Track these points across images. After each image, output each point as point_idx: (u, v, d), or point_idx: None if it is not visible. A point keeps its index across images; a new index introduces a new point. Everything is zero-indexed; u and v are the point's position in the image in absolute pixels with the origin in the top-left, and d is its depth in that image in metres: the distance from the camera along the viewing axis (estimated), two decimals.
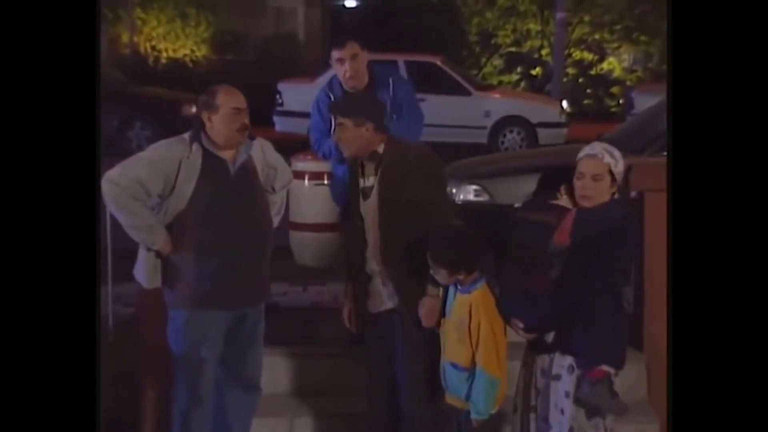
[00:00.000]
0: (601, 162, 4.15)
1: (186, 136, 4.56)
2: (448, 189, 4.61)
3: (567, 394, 4.23)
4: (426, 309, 4.49)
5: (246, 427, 4.88)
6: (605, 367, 4.16)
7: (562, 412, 4.25)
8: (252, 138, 4.62)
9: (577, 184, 4.20)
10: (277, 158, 4.82)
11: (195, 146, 4.51)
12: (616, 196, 4.22)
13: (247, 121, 4.53)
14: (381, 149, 4.57)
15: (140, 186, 4.43)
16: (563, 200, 4.30)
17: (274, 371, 5.48)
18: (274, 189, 4.80)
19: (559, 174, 4.36)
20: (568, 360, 4.22)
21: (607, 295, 4.15)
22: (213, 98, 4.51)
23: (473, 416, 4.35)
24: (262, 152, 4.70)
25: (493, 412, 4.38)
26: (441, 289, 4.47)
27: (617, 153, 4.20)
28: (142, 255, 4.60)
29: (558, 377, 4.26)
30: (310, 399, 5.58)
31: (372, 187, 4.59)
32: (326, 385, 5.64)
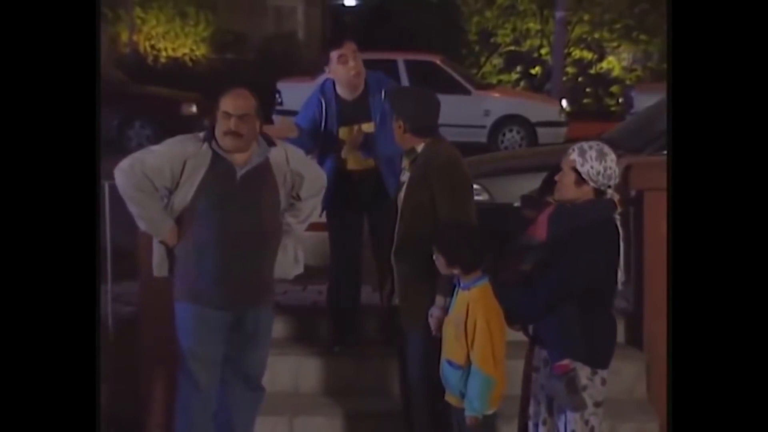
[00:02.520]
0: (567, 157, 4.19)
1: (201, 134, 4.59)
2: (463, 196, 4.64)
3: (542, 387, 4.34)
4: (433, 319, 4.53)
5: (249, 426, 4.89)
6: (568, 362, 4.18)
7: (538, 403, 4.36)
8: (271, 144, 4.59)
9: None
10: (307, 166, 4.76)
11: (205, 146, 4.51)
12: (608, 196, 4.19)
13: (233, 127, 4.43)
14: (420, 148, 4.63)
15: (145, 178, 4.46)
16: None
17: (274, 370, 5.48)
18: (299, 197, 4.75)
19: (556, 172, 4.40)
20: (544, 353, 4.32)
21: (581, 292, 4.14)
22: (217, 100, 4.52)
23: (467, 414, 4.34)
24: (285, 159, 4.64)
25: (489, 412, 4.37)
26: (447, 299, 4.49)
27: (591, 154, 4.13)
28: (155, 244, 4.65)
29: (537, 369, 4.37)
30: (310, 398, 5.59)
31: (404, 183, 4.69)
32: (326, 384, 5.65)
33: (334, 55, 5.41)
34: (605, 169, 4.12)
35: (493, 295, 4.36)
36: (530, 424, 4.42)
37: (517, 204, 6.23)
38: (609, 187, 4.17)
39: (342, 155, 5.46)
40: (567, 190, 4.18)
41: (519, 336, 4.53)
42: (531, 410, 4.40)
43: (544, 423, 4.35)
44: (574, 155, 4.15)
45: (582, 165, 4.12)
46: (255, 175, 4.56)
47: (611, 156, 4.16)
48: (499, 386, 4.35)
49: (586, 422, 4.23)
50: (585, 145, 4.21)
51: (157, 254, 4.64)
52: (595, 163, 4.12)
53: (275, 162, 4.62)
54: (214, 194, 4.49)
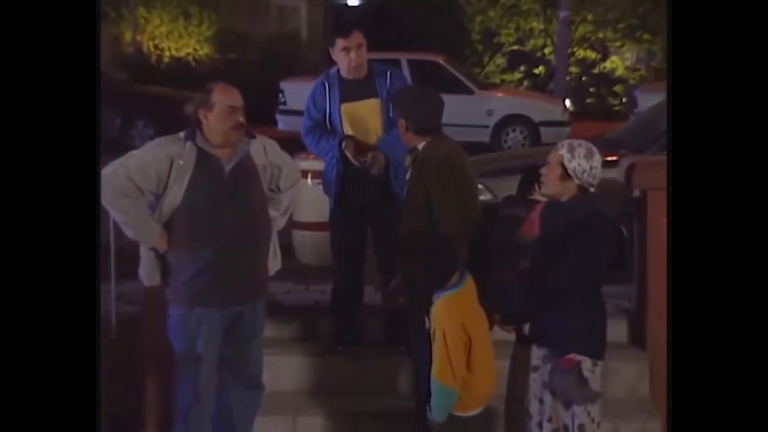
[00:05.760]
0: (555, 152, 4.25)
1: (181, 134, 4.57)
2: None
3: (544, 384, 4.34)
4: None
5: (249, 425, 4.89)
6: (574, 356, 4.21)
7: (541, 402, 4.37)
8: (251, 137, 4.61)
9: None
10: (282, 157, 4.79)
11: (189, 144, 4.50)
12: (592, 191, 4.26)
13: (242, 119, 4.51)
14: (421, 146, 4.66)
15: (130, 183, 4.44)
16: (537, 195, 4.47)
17: (277, 369, 5.49)
18: (279, 188, 4.78)
19: (537, 171, 4.46)
20: (544, 350, 4.33)
21: (579, 286, 4.20)
22: (209, 96, 4.50)
23: (428, 415, 4.28)
24: (264, 151, 4.68)
25: (470, 414, 4.29)
26: None
27: (580, 152, 4.20)
28: (143, 252, 4.62)
29: (536, 368, 4.37)
30: (313, 397, 5.59)
31: (406, 181, 4.73)
32: (329, 384, 5.65)
33: (340, 43, 5.46)
34: (591, 168, 4.21)
35: (462, 305, 4.25)
36: (532, 423, 4.42)
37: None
38: (592, 186, 4.25)
39: (343, 146, 5.46)
40: (552, 184, 4.25)
41: (505, 335, 4.53)
42: (532, 410, 4.40)
43: (549, 420, 4.35)
44: (563, 150, 4.23)
45: (570, 161, 4.20)
46: (241, 168, 4.57)
47: (598, 157, 4.26)
48: (471, 394, 4.23)
49: (588, 413, 4.28)
50: (574, 142, 4.30)
51: (147, 263, 4.61)
52: (582, 161, 4.20)
53: (255, 154, 4.64)
54: (205, 190, 4.47)
